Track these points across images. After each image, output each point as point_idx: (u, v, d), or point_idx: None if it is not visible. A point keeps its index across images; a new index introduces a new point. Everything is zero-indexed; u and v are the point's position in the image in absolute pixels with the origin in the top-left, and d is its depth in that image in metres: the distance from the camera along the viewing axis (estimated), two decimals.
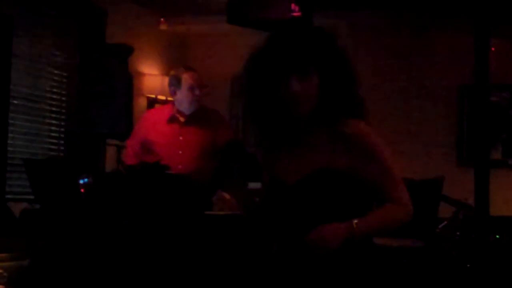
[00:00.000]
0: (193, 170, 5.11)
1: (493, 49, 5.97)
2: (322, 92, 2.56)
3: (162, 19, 7.92)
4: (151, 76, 7.70)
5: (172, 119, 5.48)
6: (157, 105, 7.68)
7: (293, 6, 5.55)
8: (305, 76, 2.54)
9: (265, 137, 2.63)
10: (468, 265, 5.17)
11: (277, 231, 2.62)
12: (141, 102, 7.54)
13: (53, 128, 6.61)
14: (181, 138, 5.41)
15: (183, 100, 5.44)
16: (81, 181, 4.65)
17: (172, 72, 5.61)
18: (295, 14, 5.55)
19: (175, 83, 5.47)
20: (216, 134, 5.38)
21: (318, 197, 2.54)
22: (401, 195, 2.62)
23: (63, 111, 6.69)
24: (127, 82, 6.40)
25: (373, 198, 2.62)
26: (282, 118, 2.57)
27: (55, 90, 6.64)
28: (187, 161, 5.25)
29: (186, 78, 5.42)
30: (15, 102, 6.18)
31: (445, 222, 5.63)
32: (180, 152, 5.35)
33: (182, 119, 5.46)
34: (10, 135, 6.06)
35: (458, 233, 5.55)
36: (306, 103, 2.54)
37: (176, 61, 8.00)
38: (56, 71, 6.66)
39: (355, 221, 2.50)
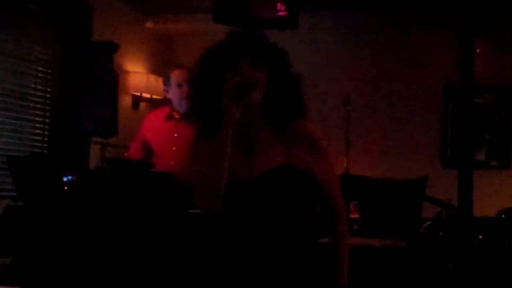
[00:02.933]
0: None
1: (478, 50, 5.99)
2: (268, 94, 2.60)
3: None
4: (137, 74, 7.69)
5: (168, 117, 5.55)
6: (142, 103, 7.67)
7: (279, 5, 5.56)
8: (255, 65, 2.59)
9: (211, 129, 2.60)
10: (451, 265, 5.19)
11: (230, 226, 2.63)
12: (126, 100, 7.53)
13: (37, 125, 6.58)
14: (176, 135, 5.46)
15: (174, 98, 5.50)
16: (64, 178, 4.64)
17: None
18: (281, 13, 5.55)
19: (165, 81, 5.56)
20: None
21: (277, 195, 2.58)
22: (339, 194, 2.73)
23: (48, 108, 6.66)
24: (112, 80, 6.40)
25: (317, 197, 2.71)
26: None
27: (39, 87, 6.61)
28: (180, 158, 5.26)
29: (174, 75, 5.48)
30: None
31: (429, 222, 5.65)
32: (174, 148, 5.39)
33: (177, 116, 5.50)
34: None
35: (441, 233, 5.57)
36: (255, 93, 2.56)
37: (161, 59, 7.99)
38: (40, 68, 6.63)
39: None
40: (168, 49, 8.37)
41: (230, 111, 2.52)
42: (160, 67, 7.59)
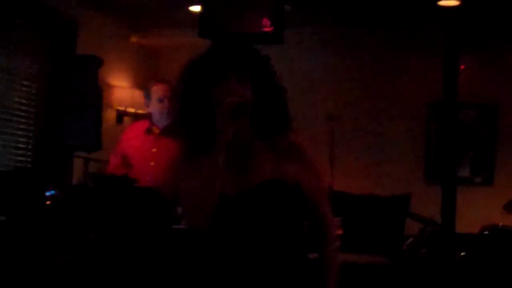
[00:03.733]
0: (162, 183, 5.08)
1: (462, 67, 6.02)
2: (255, 106, 2.58)
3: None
4: (121, 89, 7.68)
5: (148, 131, 5.50)
6: (126, 118, 7.66)
7: (265, 21, 5.57)
8: (242, 80, 2.57)
9: (199, 146, 2.59)
10: (434, 282, 5.20)
11: (221, 242, 2.61)
12: (111, 115, 7.52)
13: (20, 139, 6.56)
14: (154, 150, 5.41)
15: (154, 113, 5.46)
16: (47, 193, 4.63)
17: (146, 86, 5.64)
18: (266, 28, 5.56)
19: (145, 95, 5.52)
20: None
21: (266, 209, 2.57)
22: (328, 209, 2.71)
23: (31, 122, 6.65)
24: (97, 94, 6.38)
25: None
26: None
27: (23, 101, 6.60)
28: (158, 173, 5.20)
29: (155, 90, 5.44)
30: None
31: (412, 239, 5.67)
32: (152, 163, 5.34)
33: (157, 131, 5.46)
34: None
35: (424, 250, 5.59)
36: (242, 107, 2.54)
37: (146, 74, 7.99)
38: (25, 82, 6.62)
39: None
40: (153, 63, 8.37)
41: (225, 131, 2.51)
42: (145, 82, 7.59)
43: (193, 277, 2.75)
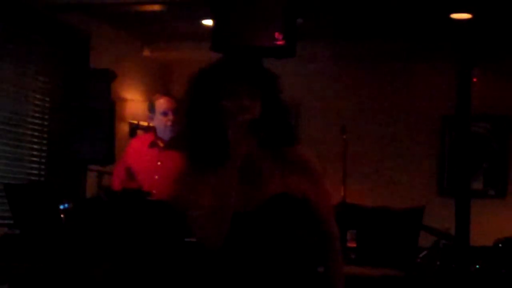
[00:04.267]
0: (168, 196, 5.04)
1: (475, 79, 6.02)
2: (263, 119, 2.57)
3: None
4: (134, 102, 7.71)
5: (152, 144, 5.47)
6: (139, 131, 7.68)
7: (277, 34, 5.58)
8: (254, 95, 2.56)
9: (206, 157, 2.58)
10: None
11: (235, 260, 2.60)
12: (123, 128, 7.54)
13: (34, 152, 6.60)
14: (159, 163, 5.38)
15: (158, 126, 5.45)
16: (61, 207, 4.64)
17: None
18: (279, 42, 5.57)
19: (150, 108, 5.50)
20: None
21: (276, 225, 2.56)
22: (333, 222, 2.70)
23: (45, 135, 6.68)
24: (110, 108, 6.41)
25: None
26: (225, 139, 2.52)
27: (37, 115, 6.63)
28: (163, 187, 5.18)
29: (160, 103, 5.43)
30: None
31: (426, 252, 5.64)
32: (156, 177, 5.32)
33: (161, 144, 5.45)
34: None
35: (438, 262, 5.57)
36: (254, 124, 2.53)
37: (159, 87, 8.02)
38: (38, 96, 6.66)
39: None
40: (166, 77, 8.40)
41: (240, 146, 2.49)
42: (157, 93, 7.63)
43: None
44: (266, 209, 2.57)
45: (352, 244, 5.26)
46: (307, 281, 2.62)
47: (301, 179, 2.61)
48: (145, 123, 7.61)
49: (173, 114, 5.37)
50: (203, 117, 2.57)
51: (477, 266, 5.50)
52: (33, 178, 6.52)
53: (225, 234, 2.51)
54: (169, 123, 5.37)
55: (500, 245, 5.72)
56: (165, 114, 5.39)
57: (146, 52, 8.12)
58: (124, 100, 7.58)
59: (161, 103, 5.43)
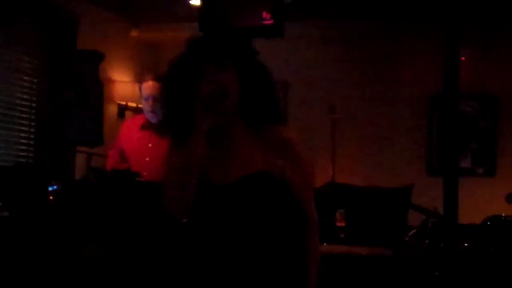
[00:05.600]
0: (158, 178, 5.03)
1: (463, 58, 6.00)
2: (242, 93, 2.60)
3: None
4: (122, 83, 7.69)
5: (143, 126, 5.45)
6: (127, 112, 7.67)
7: (265, 14, 5.56)
8: (221, 67, 2.58)
9: (184, 137, 2.59)
10: (436, 273, 5.21)
11: (202, 231, 2.62)
12: (112, 109, 7.53)
13: (22, 134, 6.57)
14: (150, 145, 5.38)
15: (144, 109, 5.45)
16: (50, 188, 4.63)
17: None
18: (267, 22, 5.56)
19: (138, 91, 5.49)
20: None
21: (250, 202, 2.57)
22: (311, 206, 2.69)
23: (33, 117, 6.66)
24: (98, 89, 6.38)
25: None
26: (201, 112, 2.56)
27: (25, 96, 6.61)
28: (153, 168, 5.18)
29: (143, 87, 5.41)
30: None
31: (414, 230, 5.66)
32: (147, 159, 5.31)
33: (153, 126, 5.43)
34: None
35: (427, 241, 5.58)
36: (230, 96, 2.57)
37: (147, 68, 7.99)
38: (26, 77, 6.63)
39: None
40: (154, 58, 8.38)
41: (202, 119, 2.53)
42: (148, 75, 7.61)
43: (186, 270, 2.75)
44: (243, 185, 2.58)
45: (341, 223, 5.27)
46: (273, 264, 2.61)
47: (281, 160, 2.60)
48: (133, 104, 7.60)
49: (153, 100, 5.33)
50: (178, 99, 2.61)
51: (466, 245, 5.53)
52: (21, 160, 6.51)
53: (189, 207, 2.56)
54: (149, 108, 5.34)
55: (488, 223, 5.74)
56: (146, 99, 5.37)
57: (134, 33, 8.09)
58: (112, 81, 7.56)
59: (144, 87, 5.41)
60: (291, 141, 2.66)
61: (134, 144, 5.41)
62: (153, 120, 5.36)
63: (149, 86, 5.37)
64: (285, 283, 2.62)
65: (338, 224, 5.25)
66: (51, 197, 4.63)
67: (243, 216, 2.57)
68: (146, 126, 5.43)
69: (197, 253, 2.63)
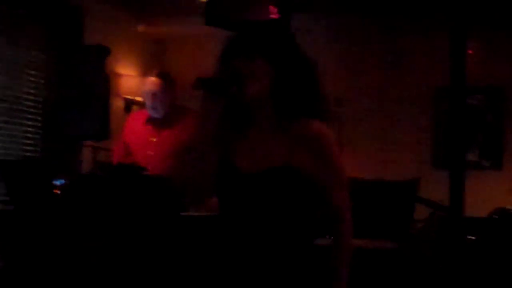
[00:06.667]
0: (162, 172, 5.03)
1: (470, 51, 5.98)
2: (276, 86, 2.59)
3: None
4: (128, 77, 7.68)
5: (148, 121, 5.45)
6: (134, 107, 7.66)
7: (271, 8, 5.56)
8: (248, 58, 2.58)
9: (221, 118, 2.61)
10: (441, 266, 5.20)
11: (225, 219, 2.62)
12: (118, 104, 7.52)
13: (29, 129, 6.57)
14: (153, 139, 5.37)
15: (146, 105, 5.45)
16: (56, 183, 4.63)
17: None
18: (273, 16, 5.55)
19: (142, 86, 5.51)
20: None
21: (274, 194, 2.54)
22: (342, 203, 2.63)
23: (40, 112, 6.66)
24: (104, 83, 6.40)
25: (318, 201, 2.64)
26: (234, 102, 2.59)
27: (31, 91, 6.61)
28: (156, 163, 5.17)
29: (144, 83, 5.43)
30: None
31: (421, 224, 5.65)
32: (151, 153, 5.30)
33: (157, 120, 5.43)
34: None
35: (433, 234, 5.57)
36: (252, 85, 2.56)
37: (153, 62, 7.99)
38: (32, 72, 6.63)
39: None
40: (161, 52, 8.37)
41: (207, 102, 2.56)
42: (152, 70, 7.60)
43: (201, 263, 2.74)
44: (266, 177, 2.55)
45: None
46: (298, 252, 2.60)
47: (309, 155, 2.56)
48: (140, 99, 7.58)
49: (153, 96, 5.33)
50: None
51: (472, 238, 5.51)
52: (28, 154, 6.51)
53: (202, 195, 2.66)
54: (150, 104, 5.34)
55: (495, 216, 5.72)
56: (146, 95, 5.37)
57: (140, 27, 8.08)
58: (119, 75, 7.55)
59: (144, 83, 5.41)
60: (324, 137, 2.61)
61: (138, 138, 5.41)
62: (155, 115, 5.36)
63: (150, 82, 5.37)
64: (314, 273, 2.60)
65: None
66: (58, 192, 4.63)
67: (264, 207, 2.55)
68: (150, 120, 5.43)
69: (220, 244, 2.62)
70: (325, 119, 2.66)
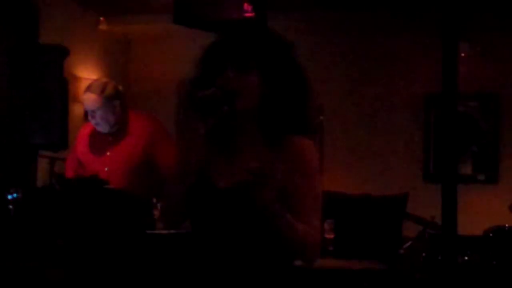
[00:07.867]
0: (121, 186, 4.99)
1: (462, 54, 6.03)
2: (266, 103, 2.59)
3: (101, 18, 7.90)
4: (89, 81, 7.65)
5: (100, 133, 5.40)
6: None
7: (245, 6, 5.56)
8: (242, 69, 2.57)
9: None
10: None
11: (199, 236, 2.65)
12: (78, 109, 7.48)
13: None
14: (108, 153, 5.31)
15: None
16: (9, 197, 4.61)
17: None
18: (248, 14, 5.56)
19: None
20: (152, 147, 5.23)
21: (246, 207, 2.54)
22: (315, 225, 2.67)
23: None
24: (62, 87, 6.34)
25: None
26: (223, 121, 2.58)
27: None
28: (114, 179, 5.07)
29: (84, 100, 5.42)
30: None
31: (410, 242, 5.67)
32: (106, 169, 5.22)
33: (108, 133, 5.38)
34: None
35: (423, 254, 5.60)
36: (242, 99, 2.55)
37: (116, 64, 7.97)
38: None
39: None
40: (125, 52, 8.36)
41: (197, 122, 2.53)
42: (115, 73, 7.58)
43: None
44: (240, 191, 2.54)
45: (330, 235, 5.27)
46: (276, 272, 2.61)
47: (288, 170, 2.57)
48: None
49: (91, 115, 5.31)
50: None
51: (466, 258, 5.54)
52: None
53: (178, 217, 2.68)
54: (93, 121, 5.32)
55: (490, 234, 5.76)
56: (89, 112, 5.35)
57: (102, 26, 8.06)
58: (78, 78, 7.53)
59: (83, 100, 5.40)
60: (304, 152, 2.62)
61: (91, 153, 5.34)
62: (102, 131, 5.32)
63: (87, 99, 5.34)
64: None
65: (327, 236, 5.25)
66: (10, 206, 4.60)
67: (239, 222, 2.57)
68: (100, 134, 5.36)
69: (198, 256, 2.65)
70: (312, 136, 2.68)
